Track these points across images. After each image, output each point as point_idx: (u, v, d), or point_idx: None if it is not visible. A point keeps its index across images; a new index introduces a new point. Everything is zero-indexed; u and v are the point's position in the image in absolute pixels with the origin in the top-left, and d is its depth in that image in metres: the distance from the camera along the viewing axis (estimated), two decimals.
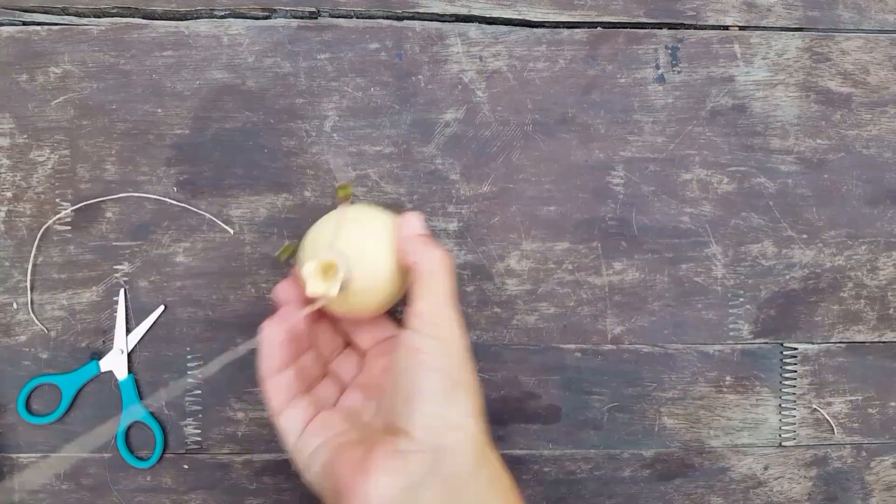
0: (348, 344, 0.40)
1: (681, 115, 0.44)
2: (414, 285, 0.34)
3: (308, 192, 0.43)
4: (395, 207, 0.43)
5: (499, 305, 0.44)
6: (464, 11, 0.43)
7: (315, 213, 0.43)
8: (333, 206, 0.43)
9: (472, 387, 0.33)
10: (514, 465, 0.44)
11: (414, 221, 0.36)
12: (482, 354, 0.44)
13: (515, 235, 0.44)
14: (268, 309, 0.43)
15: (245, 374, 0.43)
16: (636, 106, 0.44)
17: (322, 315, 0.38)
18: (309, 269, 0.34)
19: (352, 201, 0.36)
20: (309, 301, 0.35)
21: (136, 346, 0.43)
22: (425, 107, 0.43)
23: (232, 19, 0.43)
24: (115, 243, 0.43)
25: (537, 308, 0.44)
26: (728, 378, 0.45)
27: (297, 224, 0.43)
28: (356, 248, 0.35)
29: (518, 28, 0.44)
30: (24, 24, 0.43)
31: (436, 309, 0.33)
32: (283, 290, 0.37)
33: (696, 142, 0.44)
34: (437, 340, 0.32)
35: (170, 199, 0.43)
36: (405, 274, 0.36)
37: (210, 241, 0.43)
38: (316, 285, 0.34)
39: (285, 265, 0.43)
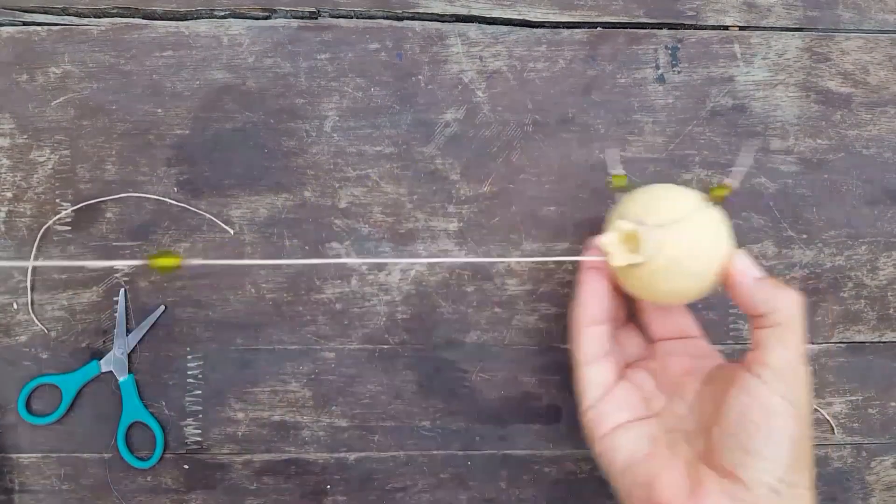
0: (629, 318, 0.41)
1: (681, 115, 0.44)
2: (764, 331, 0.33)
3: (308, 192, 0.43)
4: (396, 207, 0.43)
5: (499, 305, 0.44)
6: (464, 11, 0.43)
7: (315, 213, 0.43)
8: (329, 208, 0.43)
9: (811, 454, 0.33)
10: (515, 466, 0.44)
11: (749, 262, 0.34)
12: (482, 355, 0.44)
13: (516, 235, 0.44)
14: (269, 308, 0.43)
15: (245, 374, 0.43)
16: (636, 106, 0.44)
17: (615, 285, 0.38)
18: (617, 228, 0.33)
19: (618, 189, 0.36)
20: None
21: (136, 346, 0.43)
22: (425, 107, 0.43)
23: (232, 19, 0.43)
24: (115, 243, 0.43)
25: (537, 308, 0.44)
26: None
27: (297, 224, 0.43)
28: (687, 238, 0.33)
29: (518, 28, 0.44)
30: (24, 24, 0.43)
31: (793, 365, 0.32)
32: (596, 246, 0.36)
33: (696, 142, 0.44)
34: (792, 405, 0.32)
35: (170, 199, 0.43)
36: (716, 280, 0.34)
37: (210, 241, 0.43)
38: (617, 251, 0.34)
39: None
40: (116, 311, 0.43)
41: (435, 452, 0.44)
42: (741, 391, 0.33)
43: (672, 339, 0.39)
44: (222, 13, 0.43)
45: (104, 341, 0.43)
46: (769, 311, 0.33)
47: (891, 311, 0.45)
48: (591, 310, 0.36)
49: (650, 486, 0.34)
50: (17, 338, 0.43)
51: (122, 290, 0.43)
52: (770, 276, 0.34)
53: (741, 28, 0.44)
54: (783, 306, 0.33)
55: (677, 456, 0.34)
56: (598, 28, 0.44)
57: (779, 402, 0.32)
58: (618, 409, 0.36)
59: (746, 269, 0.34)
